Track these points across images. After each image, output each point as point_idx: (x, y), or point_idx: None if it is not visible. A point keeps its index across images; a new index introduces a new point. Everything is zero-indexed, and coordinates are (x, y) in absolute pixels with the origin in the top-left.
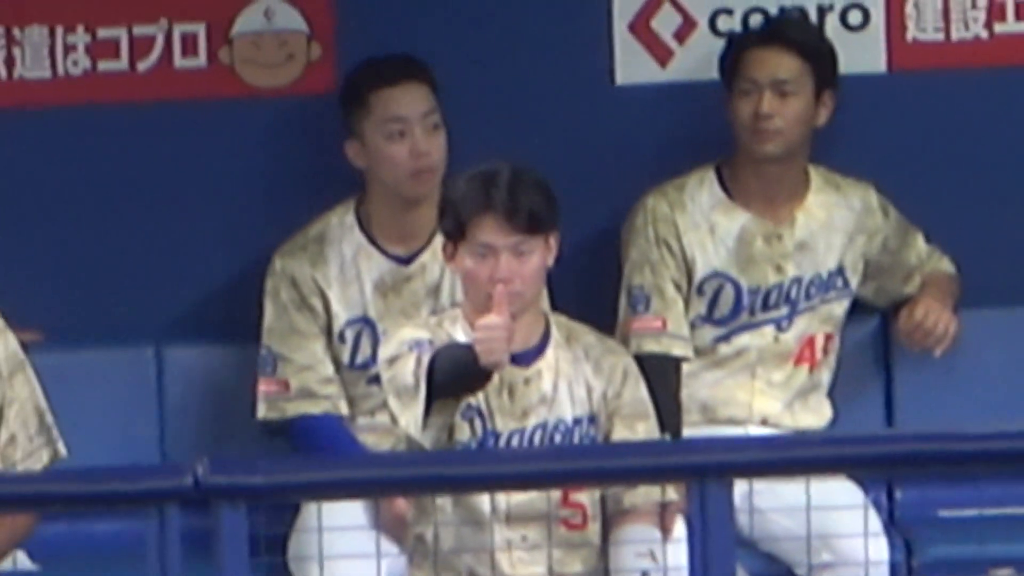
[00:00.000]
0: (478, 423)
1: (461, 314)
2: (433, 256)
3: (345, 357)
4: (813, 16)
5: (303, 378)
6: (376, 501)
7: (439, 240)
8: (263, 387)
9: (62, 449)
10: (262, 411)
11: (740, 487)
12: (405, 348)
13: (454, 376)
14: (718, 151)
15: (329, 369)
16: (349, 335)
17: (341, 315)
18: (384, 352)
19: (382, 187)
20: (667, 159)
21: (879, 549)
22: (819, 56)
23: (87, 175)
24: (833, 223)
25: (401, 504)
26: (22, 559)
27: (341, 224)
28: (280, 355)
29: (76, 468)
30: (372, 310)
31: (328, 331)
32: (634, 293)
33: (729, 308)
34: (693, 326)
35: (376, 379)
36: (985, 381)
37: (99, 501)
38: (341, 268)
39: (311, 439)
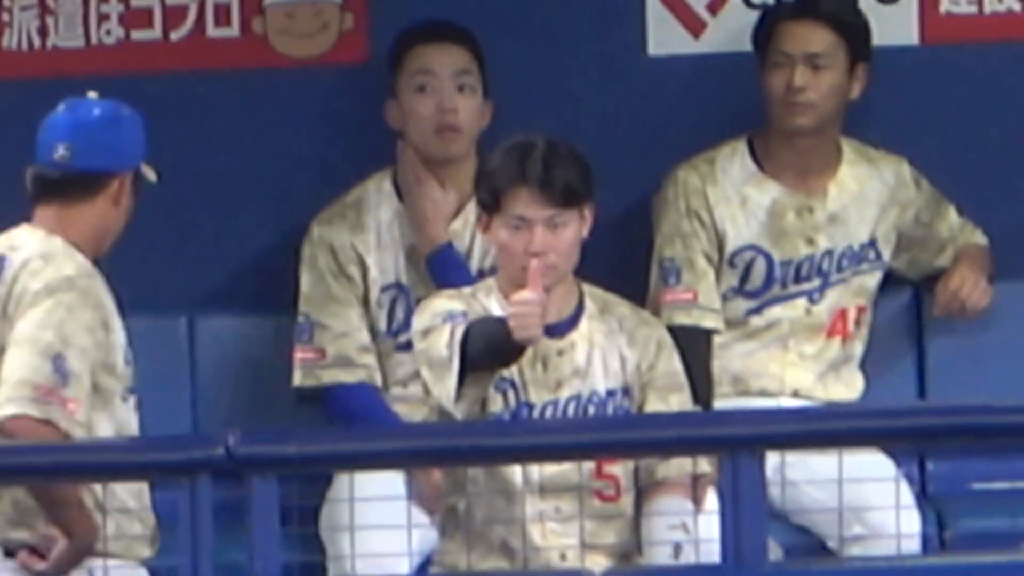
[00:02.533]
0: (511, 395)
1: (496, 285)
2: (464, 223)
3: (382, 324)
4: None
5: (340, 345)
6: (409, 472)
7: (471, 208)
8: (299, 354)
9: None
10: (298, 378)
11: (772, 459)
12: (439, 320)
13: (487, 350)
14: (750, 123)
15: (366, 337)
16: (385, 301)
17: (377, 281)
18: (418, 323)
19: (415, 151)
20: (699, 131)
21: (911, 522)
22: (853, 29)
23: None
24: (865, 195)
25: (434, 475)
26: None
27: (379, 190)
28: (317, 322)
29: (109, 438)
30: (405, 277)
31: (365, 299)
32: (665, 265)
33: (761, 280)
34: (725, 298)
35: (406, 347)
36: (1017, 353)
37: (131, 472)
38: (378, 234)
39: (345, 408)
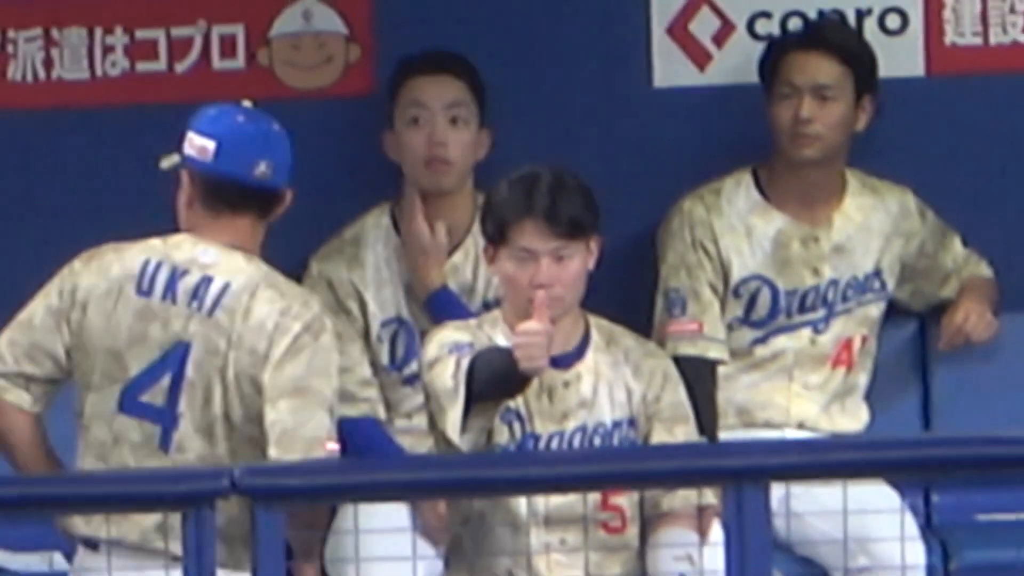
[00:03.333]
0: (517, 426)
1: (502, 317)
2: (465, 257)
3: (384, 358)
4: (851, 20)
5: (341, 381)
6: (414, 504)
7: (471, 241)
8: None
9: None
10: None
11: (777, 491)
12: (445, 351)
13: (493, 381)
14: (755, 154)
15: (367, 372)
16: (385, 336)
17: (377, 316)
18: (425, 355)
19: (420, 189)
20: (704, 162)
21: (916, 553)
22: (859, 61)
23: (126, 176)
24: (870, 226)
25: (440, 507)
26: (58, 559)
27: (376, 225)
28: None
29: (114, 470)
30: (406, 311)
31: (366, 333)
32: (670, 296)
33: (766, 310)
34: (730, 328)
35: (412, 380)
36: (1022, 384)
37: (136, 502)
38: (377, 270)
39: (350, 442)
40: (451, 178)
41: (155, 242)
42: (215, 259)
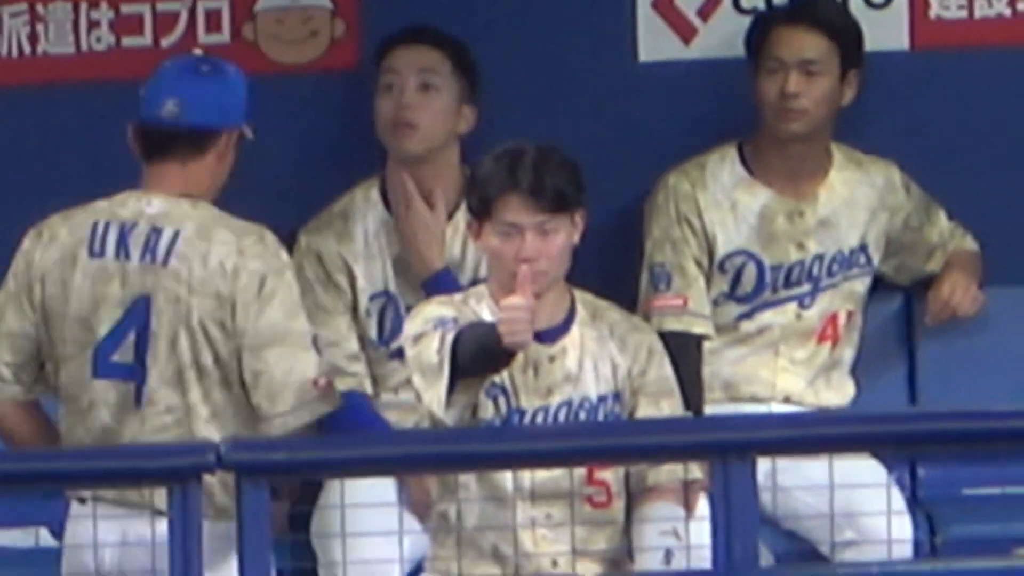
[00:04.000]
0: (502, 401)
1: (487, 291)
2: (454, 231)
3: (372, 332)
4: None
5: (329, 355)
6: (400, 479)
7: (460, 217)
8: None
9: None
10: None
11: (763, 465)
12: (430, 326)
13: (477, 355)
14: (741, 129)
15: (355, 346)
16: (373, 310)
17: (366, 290)
18: (409, 329)
19: (392, 156)
20: (690, 137)
21: (902, 527)
22: (846, 35)
23: (111, 151)
24: (855, 200)
25: (426, 482)
26: (44, 535)
27: (366, 199)
28: None
29: (100, 445)
30: (393, 285)
31: (354, 308)
32: (655, 271)
33: (752, 285)
34: (716, 304)
35: (399, 354)
36: (1008, 359)
37: (123, 478)
38: (365, 243)
39: (336, 416)
40: (416, 143)
41: (100, 203)
42: (161, 209)
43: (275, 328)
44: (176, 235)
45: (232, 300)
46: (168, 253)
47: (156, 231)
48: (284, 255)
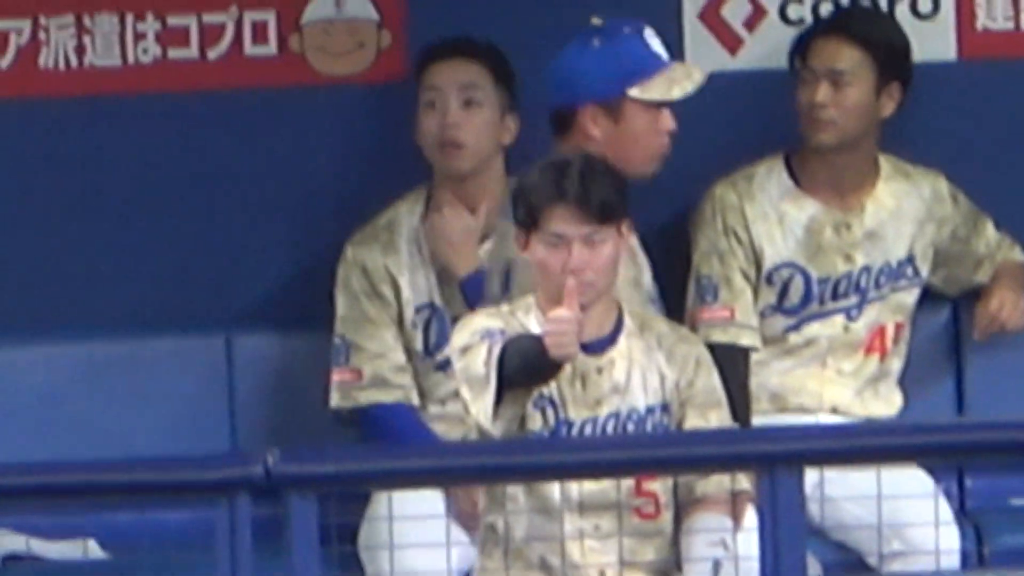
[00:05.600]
0: (550, 412)
1: (535, 303)
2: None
3: (417, 344)
4: (883, 5)
5: (376, 366)
6: (448, 490)
7: (505, 228)
8: (336, 376)
9: None
10: (335, 400)
11: (811, 476)
12: (477, 338)
13: (524, 368)
14: (787, 140)
15: (401, 357)
16: (419, 322)
17: (411, 302)
18: (456, 341)
19: (438, 172)
20: (737, 148)
21: (950, 538)
22: (883, 48)
23: (157, 163)
24: (903, 211)
25: (473, 493)
26: (93, 547)
27: (411, 212)
28: (353, 344)
29: (147, 457)
30: (438, 297)
31: (400, 319)
32: (703, 283)
33: (799, 298)
34: (763, 316)
35: (445, 365)
36: None
37: (170, 490)
38: (410, 255)
39: (383, 428)
40: (464, 161)
41: None
42: None
43: None
44: None
45: None
46: None
47: None
48: None
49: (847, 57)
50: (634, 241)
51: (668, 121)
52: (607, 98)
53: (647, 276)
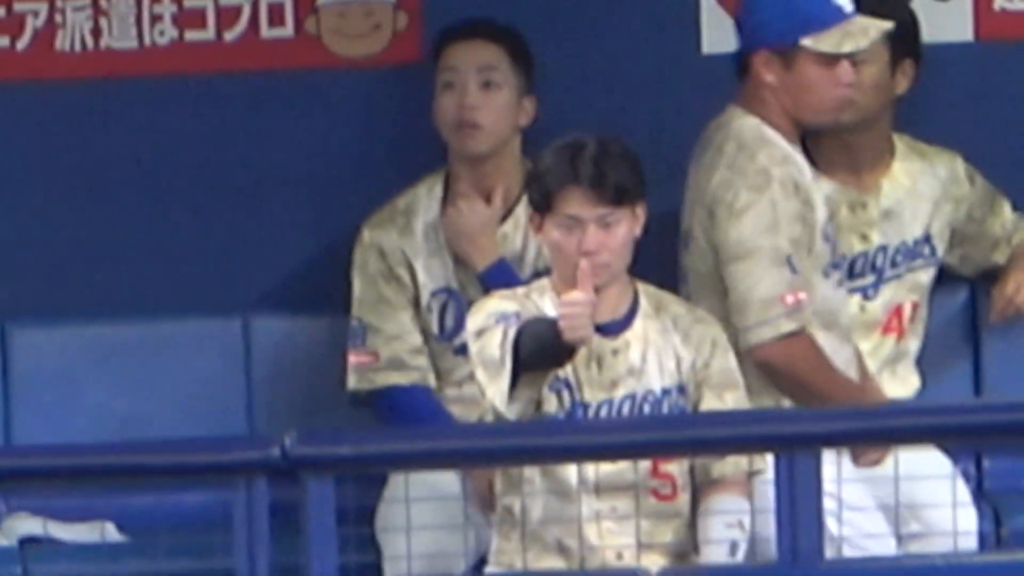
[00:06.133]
0: (566, 395)
1: (549, 285)
2: (515, 226)
3: (434, 328)
4: None
5: (392, 348)
6: (464, 472)
7: (521, 210)
8: (353, 358)
9: None
10: (352, 382)
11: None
12: (492, 321)
13: (539, 351)
14: None
15: (418, 340)
16: (435, 306)
17: (427, 285)
18: (472, 324)
19: (455, 154)
20: None
21: (967, 519)
22: (896, 25)
23: (173, 146)
24: (919, 191)
25: (490, 475)
26: (110, 530)
27: (429, 195)
28: (369, 326)
29: (164, 439)
30: (455, 281)
31: (416, 302)
32: None
33: None
34: None
35: (462, 350)
36: None
37: (187, 472)
38: (427, 239)
39: (400, 410)
40: (481, 143)
41: None
42: None
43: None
44: None
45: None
46: None
47: None
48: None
49: None
50: None
51: (846, 73)
52: (780, 45)
53: None
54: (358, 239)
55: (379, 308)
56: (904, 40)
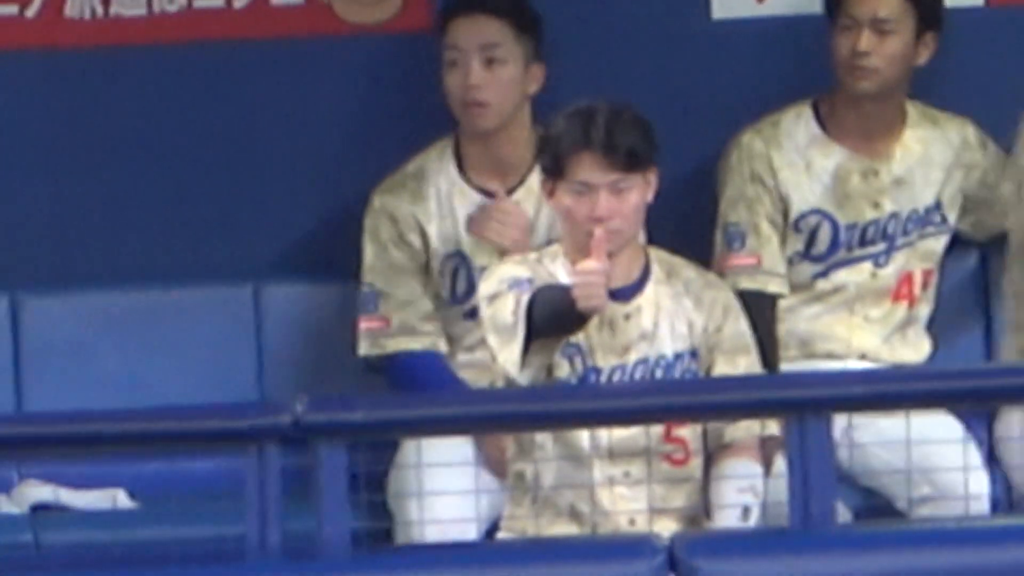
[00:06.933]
0: (578, 360)
1: (561, 251)
2: (528, 193)
3: (445, 292)
4: None
5: (404, 314)
6: (476, 438)
7: (534, 177)
8: (364, 324)
9: None
10: (363, 348)
11: (840, 421)
12: (504, 286)
13: (552, 318)
14: (814, 87)
15: (429, 305)
16: (446, 270)
17: (439, 250)
18: (484, 289)
19: (463, 125)
20: (763, 95)
21: (979, 483)
22: None
23: (184, 113)
24: (930, 158)
25: (502, 440)
26: (121, 497)
27: (440, 159)
28: (381, 292)
29: (176, 406)
30: (466, 246)
31: (427, 267)
32: (729, 230)
33: (827, 245)
34: (791, 262)
35: (472, 314)
36: None
37: (198, 440)
38: (438, 203)
39: (411, 375)
40: (489, 120)
41: None
42: None
43: None
44: None
45: None
46: None
47: None
48: None
49: (889, 5)
50: None
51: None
52: None
53: None
54: (369, 205)
55: (390, 274)
56: (930, 11)
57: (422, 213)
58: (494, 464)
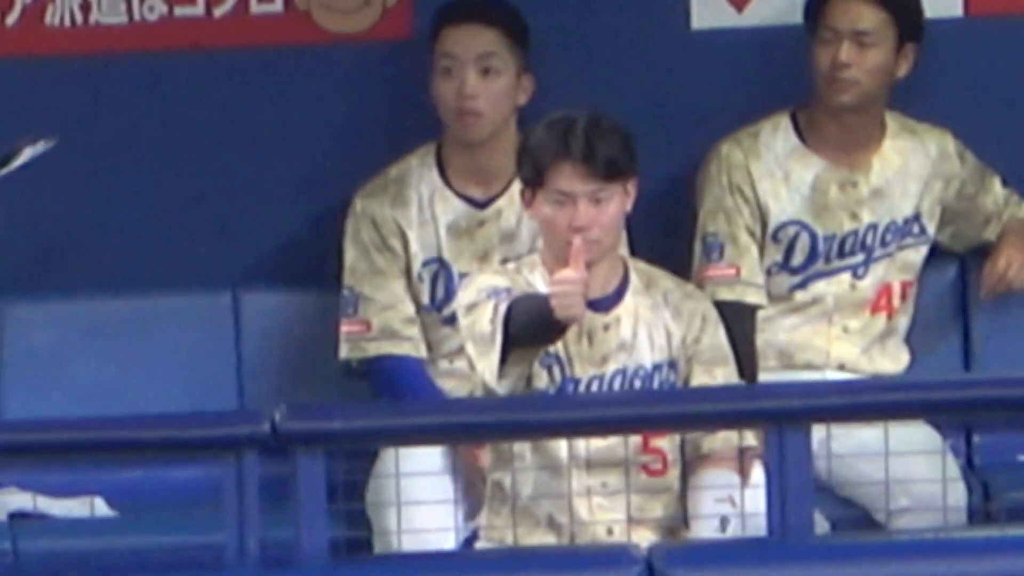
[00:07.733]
0: (556, 370)
1: (540, 261)
2: (510, 202)
3: (424, 298)
4: None
5: (385, 318)
6: (454, 447)
7: (515, 186)
8: (345, 328)
9: None
10: (344, 351)
11: (817, 432)
12: (483, 296)
13: (530, 328)
14: (793, 98)
15: (410, 309)
16: (426, 276)
17: (419, 255)
18: (463, 298)
19: (451, 133)
20: (742, 105)
21: (957, 494)
22: (903, 9)
23: (163, 121)
24: (909, 169)
25: (479, 450)
26: (100, 505)
27: (421, 164)
28: (362, 295)
29: (155, 414)
30: (446, 252)
31: (408, 272)
32: (708, 241)
33: (805, 256)
34: (769, 273)
35: (451, 320)
36: None
37: (177, 448)
38: (419, 209)
39: (391, 380)
40: (482, 129)
41: None
42: None
43: None
44: None
45: None
46: None
47: None
48: None
49: (871, 17)
50: None
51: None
52: None
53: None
54: (350, 208)
55: (372, 278)
56: (910, 24)
57: (403, 218)
58: (469, 471)
